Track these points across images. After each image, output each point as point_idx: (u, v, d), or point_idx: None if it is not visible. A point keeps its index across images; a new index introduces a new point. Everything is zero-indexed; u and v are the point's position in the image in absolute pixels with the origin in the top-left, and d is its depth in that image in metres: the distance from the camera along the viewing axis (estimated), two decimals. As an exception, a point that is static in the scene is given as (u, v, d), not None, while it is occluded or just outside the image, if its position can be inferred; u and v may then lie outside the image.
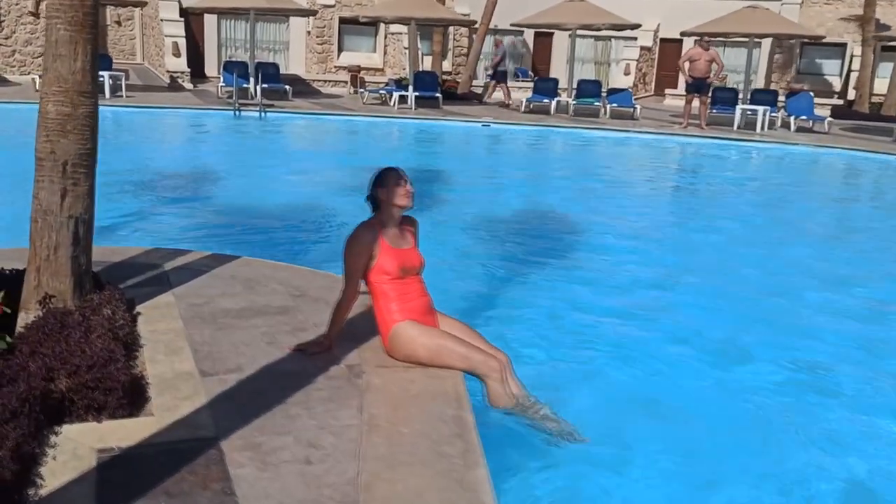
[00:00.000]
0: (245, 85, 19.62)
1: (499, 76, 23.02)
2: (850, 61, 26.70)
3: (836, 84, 27.68)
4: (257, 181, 10.41)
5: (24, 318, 3.99)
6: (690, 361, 5.09)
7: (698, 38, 19.42)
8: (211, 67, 25.17)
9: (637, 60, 27.55)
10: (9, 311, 3.90)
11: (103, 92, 17.90)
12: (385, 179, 4.06)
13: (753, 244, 8.42)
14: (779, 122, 19.42)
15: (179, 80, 22.45)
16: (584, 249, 7.72)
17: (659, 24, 28.11)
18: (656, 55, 29.25)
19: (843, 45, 27.32)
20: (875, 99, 23.74)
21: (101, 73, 18.42)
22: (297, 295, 4.99)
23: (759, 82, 25.38)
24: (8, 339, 3.55)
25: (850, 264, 7.81)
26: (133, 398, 3.40)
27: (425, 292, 4.13)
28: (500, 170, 13.09)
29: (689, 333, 5.52)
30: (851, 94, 25.42)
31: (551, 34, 28.00)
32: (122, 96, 18.35)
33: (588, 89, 21.08)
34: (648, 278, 6.81)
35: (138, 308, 4.58)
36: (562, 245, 7.94)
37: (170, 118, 16.88)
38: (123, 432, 3.19)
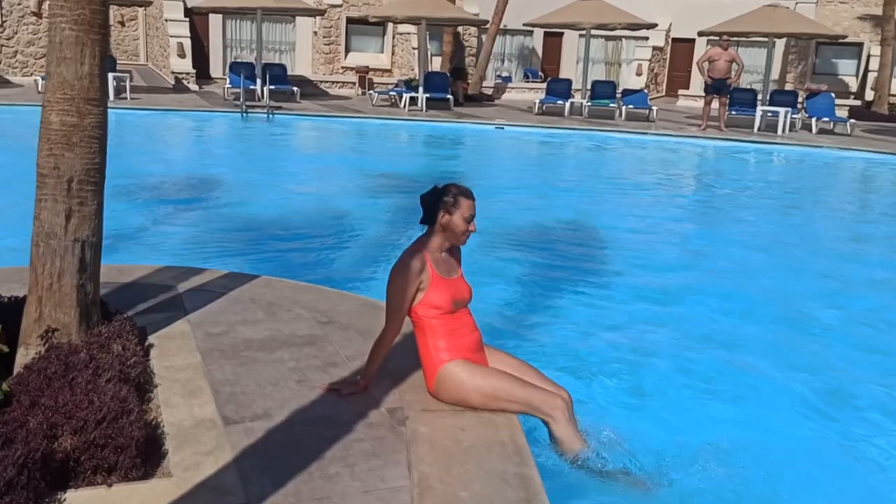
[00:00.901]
0: (252, 86, 19.17)
1: (456, 73, 22.53)
2: (868, 61, 26.20)
3: (852, 84, 27.19)
4: (271, 188, 9.91)
5: (24, 355, 3.54)
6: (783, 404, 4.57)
7: (717, 37, 18.95)
8: (216, 68, 24.73)
9: (649, 61, 27.08)
10: (6, 348, 3.45)
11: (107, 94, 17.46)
12: (457, 202, 3.50)
13: (813, 258, 7.92)
14: (799, 124, 18.93)
15: (184, 82, 22.00)
16: (623, 263, 7.26)
17: (671, 24, 27.64)
18: (668, 55, 28.79)
19: (860, 45, 26.83)
20: (893, 100, 23.24)
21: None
22: (324, 322, 4.53)
23: (769, 83, 24.91)
24: (5, 387, 3.09)
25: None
26: (148, 455, 2.95)
27: (476, 327, 3.68)
28: (519, 175, 12.62)
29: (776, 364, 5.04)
30: (868, 95, 24.92)
31: (561, 34, 27.52)
32: (126, 98, 17.90)
33: (603, 90, 20.60)
34: (717, 307, 6.19)
35: (150, 339, 4.14)
36: (598, 258, 7.48)
37: (176, 121, 16.43)
38: (137, 499, 2.74)
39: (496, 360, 3.69)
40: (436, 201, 3.54)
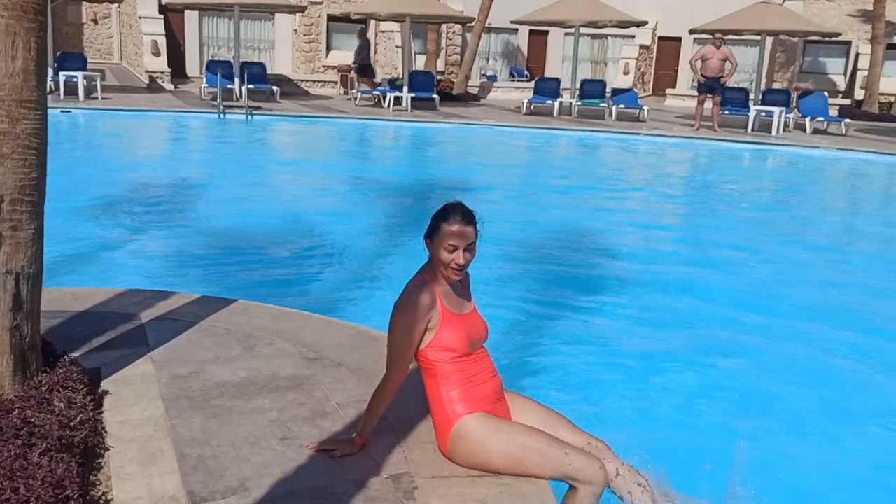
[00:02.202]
0: (230, 86, 18.46)
1: (362, 70, 21.59)
2: (856, 59, 25.89)
3: (840, 83, 26.89)
4: (250, 197, 9.11)
5: (-56, 415, 2.88)
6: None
7: (708, 35, 18.49)
8: (193, 67, 23.97)
9: (636, 59, 26.63)
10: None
11: (77, 94, 16.71)
12: (437, 229, 2.86)
13: (835, 264, 7.43)
14: (792, 124, 18.51)
15: (159, 81, 21.24)
16: (634, 273, 6.68)
17: (657, 23, 27.21)
18: (654, 54, 28.36)
19: (847, 44, 26.52)
20: (882, 98, 22.92)
21: (74, 73, 17.27)
22: (311, 358, 3.90)
23: (761, 81, 24.56)
24: None
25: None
26: (91, 554, 2.31)
27: (495, 371, 3.05)
28: (510, 177, 12.02)
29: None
30: (857, 93, 24.61)
31: (546, 32, 27.01)
32: (97, 98, 17.10)
33: (592, 90, 20.06)
34: (729, 319, 5.74)
35: (105, 383, 3.50)
36: (603, 267, 6.90)
37: (149, 122, 15.64)
38: None
39: (520, 409, 3.07)
40: (430, 225, 2.91)
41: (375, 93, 20.24)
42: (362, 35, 22.05)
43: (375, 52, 25.93)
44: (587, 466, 2.84)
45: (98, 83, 17.43)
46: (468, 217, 2.87)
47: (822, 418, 4.30)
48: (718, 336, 5.37)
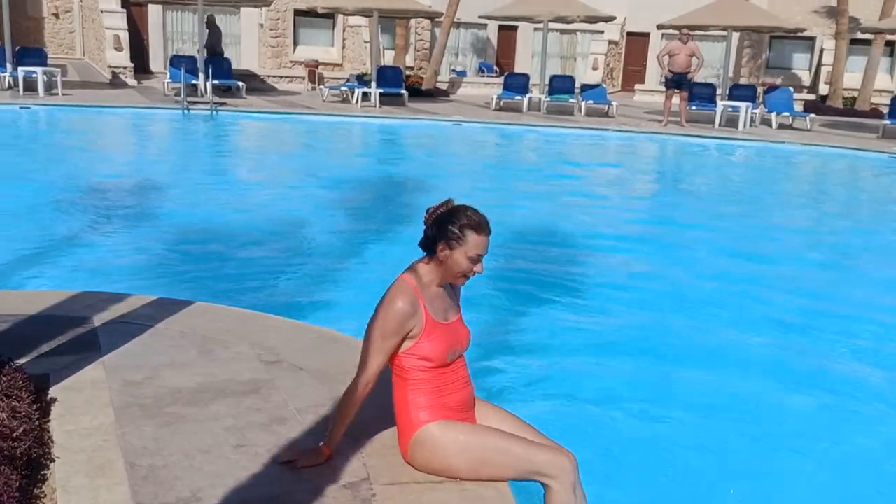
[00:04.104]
0: (194, 81, 18.17)
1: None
2: (821, 55, 26.20)
3: (805, 78, 27.20)
4: (211, 196, 8.88)
5: None
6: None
7: (675, 31, 18.57)
8: (156, 62, 23.60)
9: (605, 55, 26.71)
10: None
11: (36, 90, 16.34)
12: (463, 237, 2.72)
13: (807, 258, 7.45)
14: (758, 119, 18.67)
15: (122, 76, 20.85)
16: (601, 269, 6.65)
17: (625, 18, 27.31)
18: (623, 49, 28.48)
19: (812, 39, 26.83)
20: (845, 93, 23.22)
21: (34, 68, 16.88)
22: (271, 361, 3.79)
23: (728, 77, 24.75)
24: None
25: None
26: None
27: (469, 380, 2.95)
28: (479, 175, 11.95)
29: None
30: (821, 88, 24.91)
31: (515, 28, 27.01)
32: (57, 94, 16.74)
33: (561, 85, 20.06)
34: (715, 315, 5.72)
35: (53, 391, 3.37)
36: (572, 265, 6.86)
37: (111, 118, 15.33)
38: None
39: (485, 415, 2.98)
40: (439, 228, 2.75)
41: (343, 88, 20.05)
42: (210, 22, 20.75)
43: (344, 46, 25.72)
44: (553, 459, 2.77)
45: (59, 79, 17.06)
46: (490, 228, 2.79)
47: (795, 415, 4.29)
48: (688, 331, 5.35)
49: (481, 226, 2.74)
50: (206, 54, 19.03)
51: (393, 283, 2.82)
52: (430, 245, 2.79)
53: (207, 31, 20.34)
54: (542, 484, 2.82)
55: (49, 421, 3.12)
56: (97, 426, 3.10)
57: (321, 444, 2.89)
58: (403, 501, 2.71)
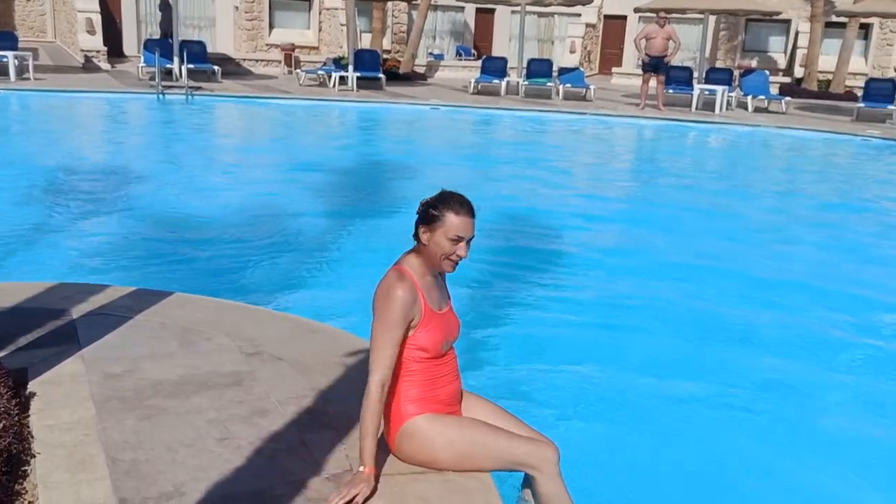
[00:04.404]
0: (168, 65, 17.96)
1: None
2: (796, 38, 26.37)
3: (781, 61, 27.37)
4: (188, 183, 8.78)
5: None
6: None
7: (653, 14, 18.60)
8: (130, 46, 23.25)
9: (582, 38, 26.70)
10: None
11: (7, 74, 16.05)
12: (442, 218, 2.71)
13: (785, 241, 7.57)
14: (734, 102, 18.80)
15: (95, 60, 20.54)
16: (581, 258, 6.70)
17: (603, 1, 27.31)
18: (600, 32, 28.49)
19: (788, 22, 26.98)
20: (820, 76, 23.42)
21: (4, 52, 16.56)
22: (251, 353, 3.79)
23: (704, 60, 24.86)
24: None
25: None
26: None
27: (458, 373, 2.96)
28: (456, 159, 11.93)
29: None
30: (797, 71, 25.09)
31: (493, 10, 26.90)
32: (29, 79, 16.47)
33: (539, 69, 20.05)
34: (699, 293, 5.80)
35: (32, 385, 3.35)
36: (551, 250, 6.90)
37: (84, 103, 15.11)
38: None
39: (470, 407, 3.01)
40: (423, 213, 2.75)
41: (320, 72, 19.89)
42: (164, 2, 20.21)
43: (320, 29, 25.49)
44: (536, 451, 2.81)
45: (30, 62, 16.80)
46: (472, 209, 2.77)
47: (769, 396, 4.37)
48: (665, 315, 5.41)
49: (461, 207, 2.73)
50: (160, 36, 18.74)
51: (387, 275, 2.79)
52: (415, 232, 2.79)
53: (161, 12, 19.83)
54: (527, 475, 2.87)
55: (28, 416, 3.10)
56: (77, 420, 3.09)
57: (361, 468, 2.67)
58: (387, 492, 2.73)
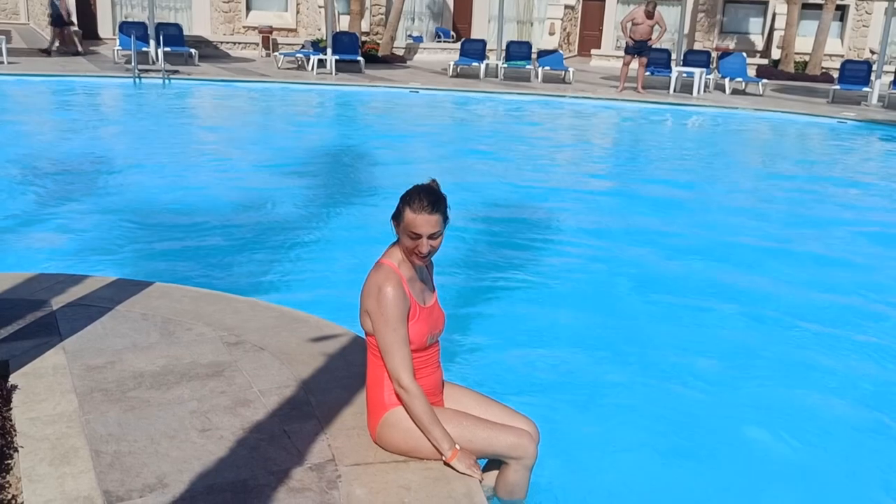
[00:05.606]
0: (145, 48, 17.75)
1: (55, 21, 19.19)
2: (773, 19, 26.49)
3: (758, 42, 27.49)
4: (167, 170, 8.69)
5: None
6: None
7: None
8: (105, 28, 22.93)
9: (561, 20, 26.65)
10: None
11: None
12: (400, 214, 2.75)
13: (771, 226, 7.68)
14: (712, 85, 18.89)
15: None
16: (561, 238, 6.75)
17: (582, -18, 27.25)
18: (580, 14, 28.46)
19: (765, 3, 27.10)
20: (797, 58, 23.56)
21: (-25, 36, 16.30)
22: (232, 343, 3.82)
23: (682, 42, 24.91)
24: None
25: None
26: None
27: (440, 364, 3.02)
28: (436, 143, 11.93)
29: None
30: (774, 53, 25.22)
31: (472, -8, 26.78)
32: (3, 63, 16.24)
33: (518, 51, 20.03)
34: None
35: (14, 377, 3.37)
36: (529, 234, 6.95)
37: (59, 88, 14.92)
38: None
39: (452, 397, 3.06)
40: (397, 207, 2.78)
41: (298, 55, 19.74)
42: None
43: (298, 12, 25.25)
44: (517, 442, 2.87)
45: (3, 46, 16.53)
46: (435, 204, 2.72)
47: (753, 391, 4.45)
48: (641, 303, 5.48)
49: (414, 200, 2.70)
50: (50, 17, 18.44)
51: (372, 272, 2.82)
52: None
53: None
54: (507, 463, 2.93)
55: (11, 409, 3.12)
56: (60, 413, 3.11)
57: (448, 452, 2.78)
58: (369, 481, 2.78)
